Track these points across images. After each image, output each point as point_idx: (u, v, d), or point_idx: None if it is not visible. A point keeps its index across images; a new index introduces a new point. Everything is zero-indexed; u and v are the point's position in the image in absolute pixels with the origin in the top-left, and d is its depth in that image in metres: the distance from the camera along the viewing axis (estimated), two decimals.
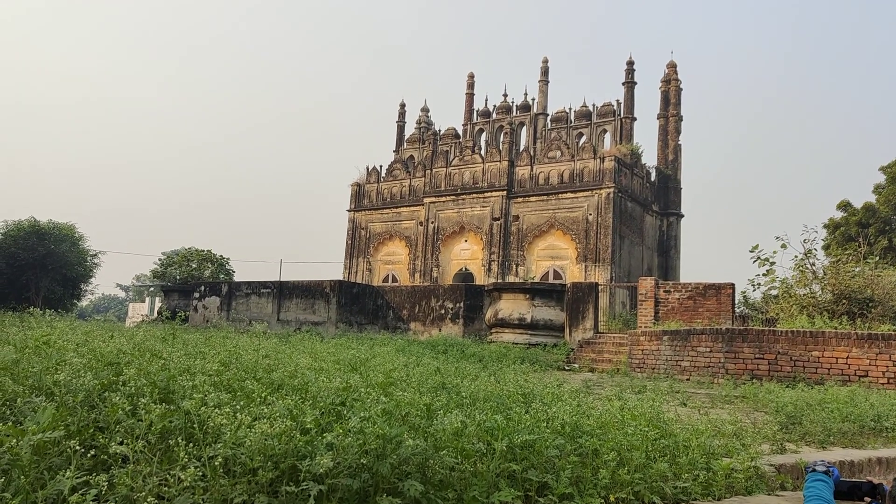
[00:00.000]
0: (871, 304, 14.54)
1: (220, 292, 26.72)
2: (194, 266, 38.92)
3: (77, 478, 2.03)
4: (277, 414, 2.48)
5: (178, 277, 37.19)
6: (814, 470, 3.44)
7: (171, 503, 2.02)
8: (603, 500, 2.83)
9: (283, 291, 25.09)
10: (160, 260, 45.80)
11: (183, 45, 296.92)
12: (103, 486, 1.96)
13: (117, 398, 2.57)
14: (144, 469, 2.10)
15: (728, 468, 3.41)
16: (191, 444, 2.26)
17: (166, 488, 2.04)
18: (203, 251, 41.36)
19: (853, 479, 3.68)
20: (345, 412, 2.89)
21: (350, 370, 4.96)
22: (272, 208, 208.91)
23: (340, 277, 42.64)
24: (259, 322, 24.48)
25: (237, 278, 38.47)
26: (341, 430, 2.37)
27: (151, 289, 66.39)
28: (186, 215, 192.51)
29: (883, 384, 11.52)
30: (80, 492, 1.96)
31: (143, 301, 73.86)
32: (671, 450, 3.44)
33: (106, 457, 2.21)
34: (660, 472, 3.09)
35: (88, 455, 2.17)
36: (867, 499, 3.53)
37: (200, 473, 2.09)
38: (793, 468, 4.09)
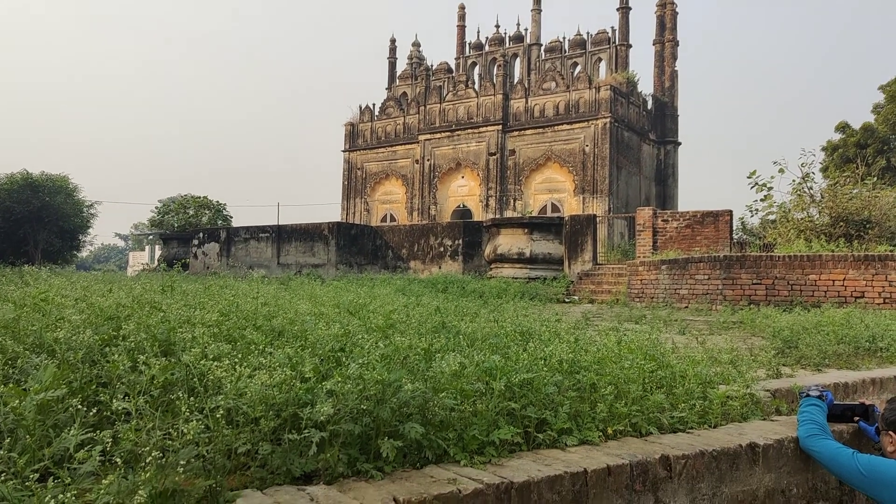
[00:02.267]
0: (868, 226, 14.57)
1: (219, 238, 26.75)
2: (191, 213, 38.84)
3: (82, 434, 2.07)
4: (277, 364, 2.51)
5: (175, 225, 37.15)
6: (808, 395, 3.53)
7: (177, 455, 2.06)
8: (601, 433, 2.89)
9: (281, 235, 25.12)
10: (157, 208, 45.64)
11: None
12: (108, 442, 2.00)
13: (117, 355, 2.59)
14: (148, 424, 2.13)
15: (724, 396, 3.48)
16: (192, 398, 2.29)
17: (170, 441, 2.07)
18: (199, 197, 41.18)
19: (846, 402, 3.77)
20: (344, 359, 2.93)
21: (350, 314, 5.00)
22: (268, 151, 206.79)
23: (338, 219, 42.61)
24: (259, 266, 24.67)
25: (235, 223, 38.43)
26: (340, 378, 2.40)
27: (150, 237, 66.44)
28: (181, 161, 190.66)
29: (879, 304, 11.66)
30: (85, 448, 1.99)
31: (143, 250, 74.02)
32: (668, 381, 3.49)
33: (109, 413, 2.24)
34: (657, 403, 3.15)
35: (92, 412, 2.20)
36: (856, 418, 3.63)
37: (203, 426, 2.12)
38: (788, 392, 4.17)
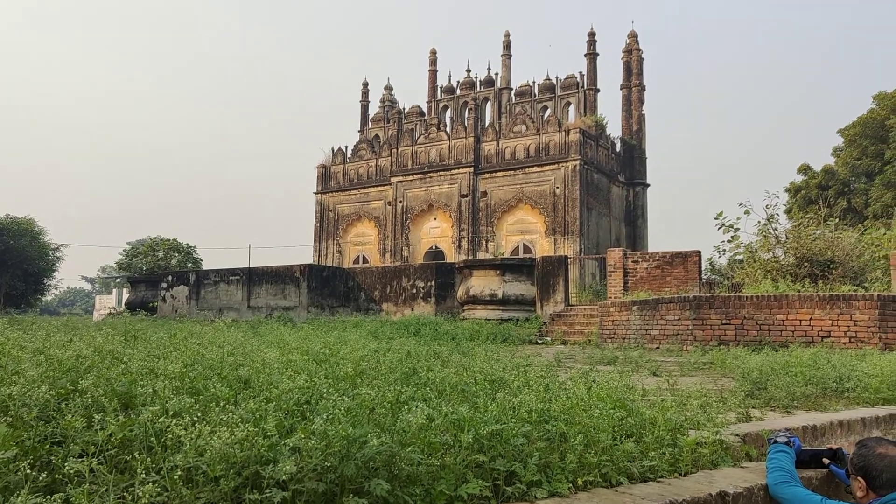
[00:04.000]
0: (832, 266, 14.88)
1: (189, 281, 26.39)
2: (160, 255, 38.34)
3: (32, 499, 1.98)
4: (239, 419, 2.45)
5: (144, 268, 36.63)
6: (776, 441, 3.53)
7: None
8: (571, 485, 2.85)
9: (252, 278, 24.87)
10: (125, 251, 45.02)
11: (144, 33, 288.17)
12: None
13: (72, 413, 2.51)
14: (101, 486, 2.06)
15: (694, 443, 3.47)
16: (150, 458, 2.22)
17: None
18: (169, 240, 40.73)
19: (814, 448, 3.78)
20: (309, 412, 2.87)
21: (318, 363, 4.93)
22: (239, 194, 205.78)
23: (310, 261, 42.36)
24: (229, 310, 24.29)
25: (205, 266, 38.00)
26: (304, 433, 2.35)
27: (118, 280, 65.32)
28: (151, 205, 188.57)
29: (845, 343, 11.83)
30: None
31: (111, 293, 72.64)
32: (637, 429, 3.47)
33: (62, 475, 2.16)
34: (627, 452, 3.12)
35: (44, 475, 2.12)
36: (826, 460, 3.64)
37: (160, 487, 2.05)
38: (757, 437, 4.17)
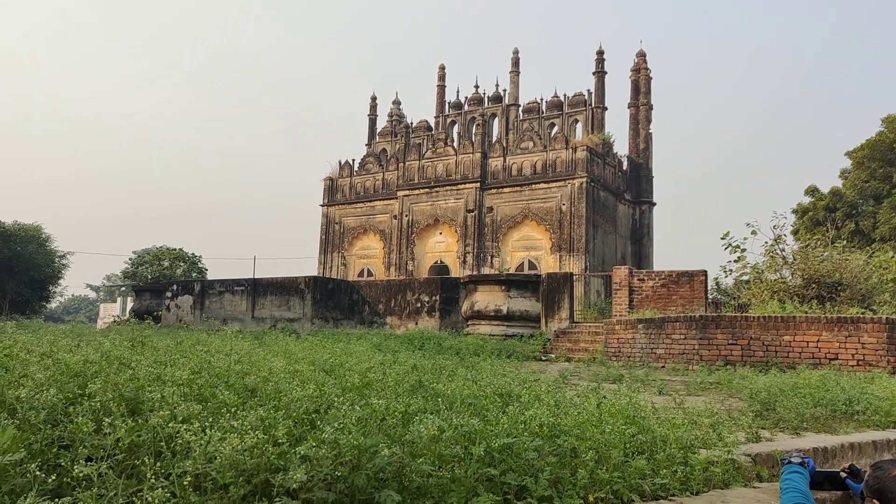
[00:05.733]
0: (839, 288, 14.78)
1: (193, 291, 26.42)
2: (166, 265, 38.35)
3: (40, 502, 1.96)
4: (248, 426, 2.42)
5: (149, 277, 36.65)
6: (790, 462, 3.48)
7: None
8: (582, 501, 2.81)
9: (256, 289, 24.88)
10: (131, 259, 45.05)
11: (152, 48, 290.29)
12: None
13: (81, 415, 2.49)
14: (110, 491, 2.03)
15: (705, 462, 3.42)
16: (159, 463, 2.19)
17: None
18: (175, 249, 40.76)
19: (828, 469, 3.73)
20: (318, 421, 2.84)
21: (325, 373, 4.90)
22: (245, 204, 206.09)
23: (315, 273, 42.38)
24: (234, 320, 24.30)
25: (210, 276, 38.01)
26: (315, 442, 2.32)
27: (123, 288, 65.48)
28: (158, 215, 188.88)
29: (852, 366, 11.73)
30: None
31: (115, 301, 72.75)
32: (649, 446, 3.43)
33: (70, 479, 2.13)
34: (638, 469, 3.08)
35: (52, 478, 2.09)
36: (843, 474, 3.58)
37: (169, 493, 2.02)
38: (768, 457, 4.12)
